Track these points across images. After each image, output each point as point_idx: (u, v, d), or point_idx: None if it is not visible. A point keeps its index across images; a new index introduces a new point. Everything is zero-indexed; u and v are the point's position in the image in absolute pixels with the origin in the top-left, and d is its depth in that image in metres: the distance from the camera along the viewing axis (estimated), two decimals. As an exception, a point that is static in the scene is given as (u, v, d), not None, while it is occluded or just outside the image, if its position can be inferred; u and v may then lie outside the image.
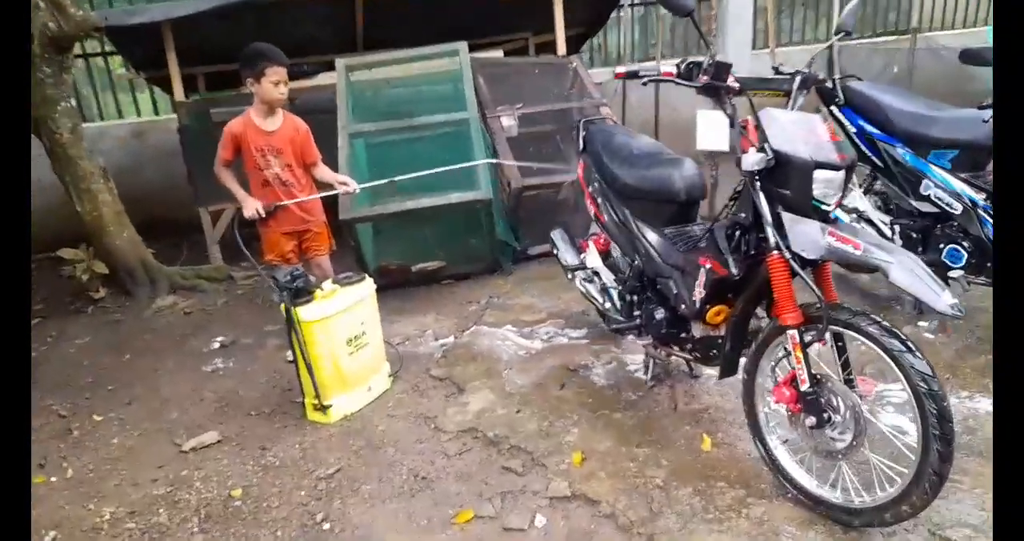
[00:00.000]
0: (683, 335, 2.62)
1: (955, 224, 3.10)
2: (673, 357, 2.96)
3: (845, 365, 2.11)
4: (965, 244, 3.04)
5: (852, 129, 3.43)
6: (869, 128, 3.36)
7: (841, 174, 1.99)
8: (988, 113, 2.97)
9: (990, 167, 3.18)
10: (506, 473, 2.54)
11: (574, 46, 6.37)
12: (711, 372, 3.03)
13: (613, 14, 6.76)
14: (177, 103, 4.97)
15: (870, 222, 3.42)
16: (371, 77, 4.80)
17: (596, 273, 3.11)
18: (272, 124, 3.32)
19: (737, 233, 2.26)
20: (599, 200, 2.96)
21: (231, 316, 4.32)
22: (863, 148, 3.40)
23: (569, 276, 3.22)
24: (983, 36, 7.30)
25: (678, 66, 2.14)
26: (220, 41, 5.42)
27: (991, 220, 2.91)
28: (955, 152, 3.09)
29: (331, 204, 3.73)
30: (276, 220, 3.38)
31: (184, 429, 3.06)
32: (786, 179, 2.01)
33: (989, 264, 2.97)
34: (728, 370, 2.42)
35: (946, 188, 3.09)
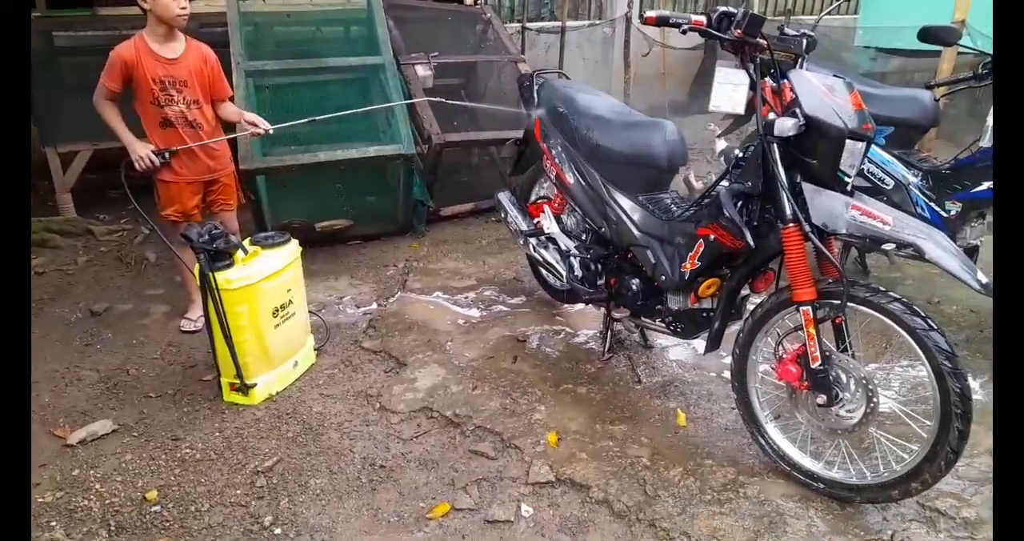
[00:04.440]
0: (658, 307, 2.49)
1: (884, 198, 3.20)
2: (641, 328, 2.86)
3: (841, 339, 2.08)
4: (897, 219, 3.14)
5: None
6: None
7: (863, 145, 1.92)
8: (931, 93, 3.06)
9: (918, 145, 3.32)
10: (476, 458, 2.31)
11: (472, -5, 6.02)
12: (664, 342, 2.96)
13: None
14: (16, 19, 4.08)
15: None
16: (263, 8, 4.20)
17: (552, 240, 2.90)
18: (172, 51, 2.75)
19: (739, 203, 2.14)
20: (562, 161, 2.74)
21: (98, 278, 3.67)
22: None
23: (521, 241, 2.99)
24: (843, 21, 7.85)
25: (708, 16, 1.95)
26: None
27: (923, 198, 3.03)
28: (891, 129, 3.18)
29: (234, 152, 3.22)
30: (178, 168, 2.85)
31: (64, 416, 2.54)
32: (814, 147, 1.90)
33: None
34: (715, 344, 2.32)
35: (879, 164, 3.17)
